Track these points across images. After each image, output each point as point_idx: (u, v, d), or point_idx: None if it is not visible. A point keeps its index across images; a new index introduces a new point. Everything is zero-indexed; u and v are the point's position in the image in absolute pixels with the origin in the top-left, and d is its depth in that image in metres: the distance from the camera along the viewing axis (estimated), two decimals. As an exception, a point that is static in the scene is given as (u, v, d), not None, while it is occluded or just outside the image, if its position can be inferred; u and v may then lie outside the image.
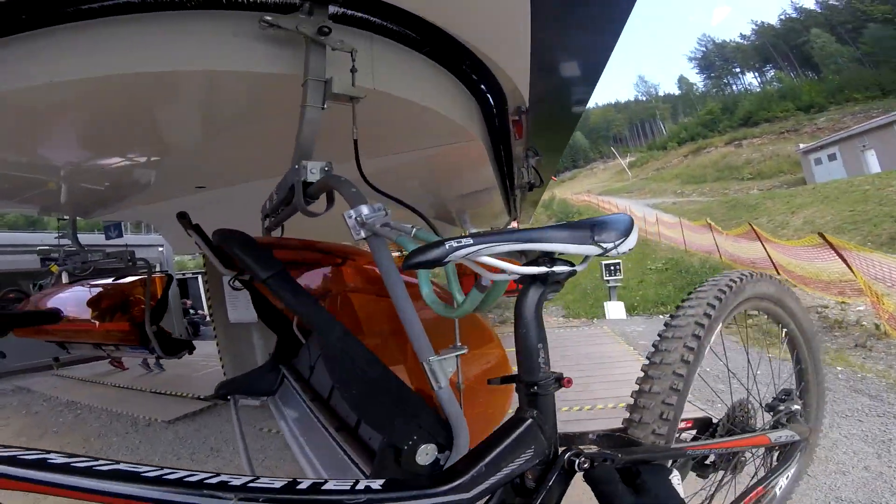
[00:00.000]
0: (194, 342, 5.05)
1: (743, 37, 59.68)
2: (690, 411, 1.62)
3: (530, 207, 8.99)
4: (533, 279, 0.81)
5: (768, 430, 1.37)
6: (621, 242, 0.79)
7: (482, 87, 2.66)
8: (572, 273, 0.79)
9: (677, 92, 68.29)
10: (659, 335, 1.19)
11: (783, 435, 1.36)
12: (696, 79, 66.21)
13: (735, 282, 1.26)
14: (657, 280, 12.04)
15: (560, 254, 0.78)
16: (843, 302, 6.67)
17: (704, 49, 62.50)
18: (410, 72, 2.10)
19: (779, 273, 8.59)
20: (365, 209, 1.07)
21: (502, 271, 0.74)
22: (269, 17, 1.37)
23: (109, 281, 4.70)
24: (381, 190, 1.49)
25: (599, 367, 5.04)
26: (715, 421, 1.34)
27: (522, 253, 0.78)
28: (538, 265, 0.77)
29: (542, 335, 0.84)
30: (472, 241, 0.69)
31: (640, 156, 50.56)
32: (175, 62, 1.45)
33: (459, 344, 1.15)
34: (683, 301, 1.23)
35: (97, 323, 4.53)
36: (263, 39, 1.49)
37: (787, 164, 28.60)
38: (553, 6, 1.62)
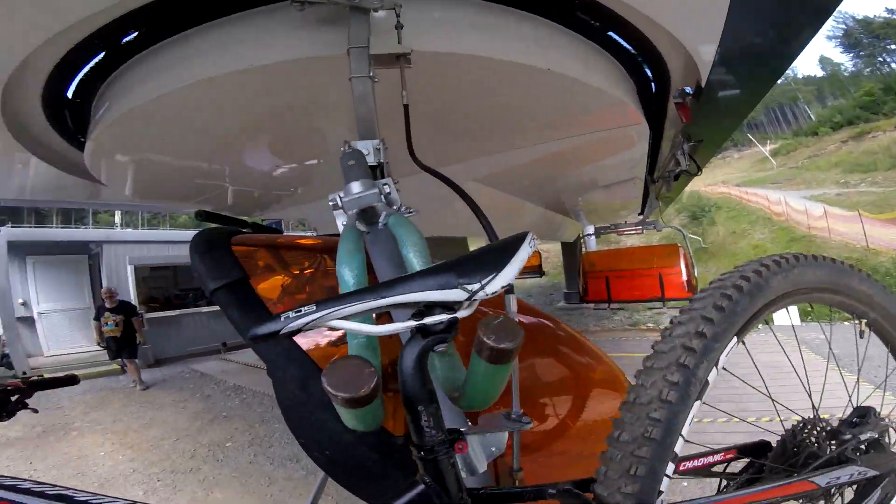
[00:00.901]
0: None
1: (889, 11, 50.58)
2: (739, 434, 1.16)
3: (662, 203, 8.13)
4: (411, 334, 0.67)
5: (813, 470, 0.94)
6: (489, 282, 0.64)
7: (644, 64, 2.43)
8: (454, 321, 0.65)
9: (820, 73, 59.76)
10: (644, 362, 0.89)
11: (843, 474, 0.94)
12: (842, 58, 56.96)
13: (748, 278, 0.87)
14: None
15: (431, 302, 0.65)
16: None
17: (845, 27, 53.13)
18: (569, 49, 1.96)
19: None
20: (356, 186, 0.85)
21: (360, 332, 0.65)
22: None
23: None
24: (428, 167, 1.20)
25: (784, 377, 4.33)
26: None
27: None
28: (407, 320, 0.66)
29: (425, 394, 0.67)
30: (314, 308, 0.61)
31: (783, 143, 44.52)
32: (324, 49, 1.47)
33: (519, 411, 0.84)
34: (681, 312, 0.89)
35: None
36: None
37: None
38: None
